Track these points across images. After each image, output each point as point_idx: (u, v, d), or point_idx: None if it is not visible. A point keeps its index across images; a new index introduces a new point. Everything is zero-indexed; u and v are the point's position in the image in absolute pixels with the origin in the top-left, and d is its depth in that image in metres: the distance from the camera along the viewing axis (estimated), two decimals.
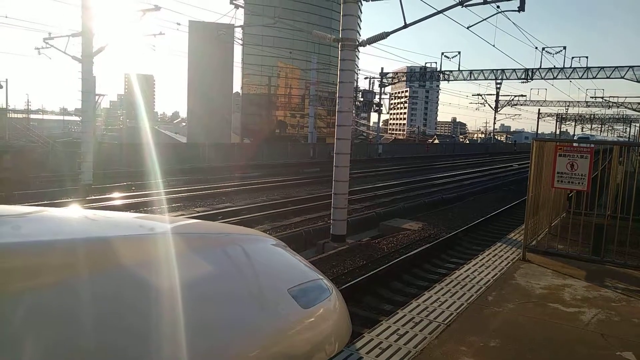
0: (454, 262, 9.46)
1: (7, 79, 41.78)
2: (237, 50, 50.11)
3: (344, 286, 6.90)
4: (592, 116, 69.58)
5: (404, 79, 43.70)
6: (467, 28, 15.35)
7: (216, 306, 1.94)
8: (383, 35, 11.17)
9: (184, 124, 70.82)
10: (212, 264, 2.17)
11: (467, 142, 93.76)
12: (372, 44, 11.54)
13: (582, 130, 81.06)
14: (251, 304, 2.12)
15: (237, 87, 57.48)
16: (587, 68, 30.76)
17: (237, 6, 14.46)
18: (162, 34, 20.97)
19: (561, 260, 5.44)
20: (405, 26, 11.10)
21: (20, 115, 43.25)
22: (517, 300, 4.21)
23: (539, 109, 61.66)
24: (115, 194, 15.63)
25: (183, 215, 12.28)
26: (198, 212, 12.96)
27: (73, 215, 2.44)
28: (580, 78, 31.17)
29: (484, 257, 5.63)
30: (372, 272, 8.11)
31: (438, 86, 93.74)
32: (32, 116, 50.47)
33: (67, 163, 19.25)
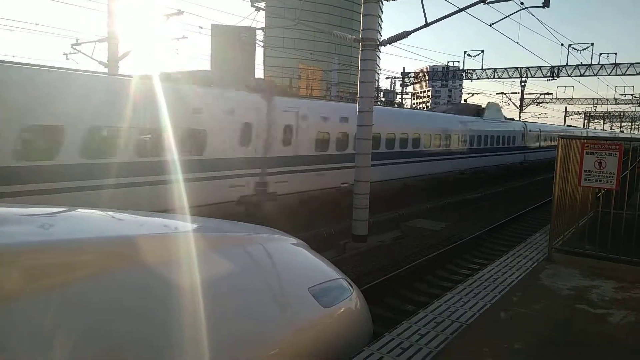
0: (477, 263, 9.33)
1: None
2: (259, 52, 50.54)
3: (365, 286, 6.88)
4: (622, 114, 67.56)
5: (426, 78, 43.26)
6: (490, 25, 15.10)
7: (237, 304, 1.97)
8: (404, 35, 11.10)
9: None
10: (233, 263, 2.20)
11: None
12: (393, 44, 11.48)
13: (611, 128, 78.50)
14: (272, 302, 2.14)
15: None
16: (616, 64, 29.86)
17: (258, 9, 14.58)
18: (185, 37, 21.30)
19: (589, 261, 5.30)
20: (427, 25, 11.00)
21: None
22: (542, 301, 4.12)
23: (566, 107, 60.14)
24: None
25: None
26: None
27: (100, 214, 2.51)
28: (609, 75, 30.27)
29: (508, 258, 5.53)
30: (393, 273, 8.07)
31: (461, 85, 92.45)
32: None
33: None
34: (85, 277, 1.58)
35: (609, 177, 5.13)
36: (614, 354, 3.20)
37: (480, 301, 4.03)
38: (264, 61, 55.92)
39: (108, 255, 1.74)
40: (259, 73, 52.41)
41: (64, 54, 21.45)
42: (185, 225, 2.64)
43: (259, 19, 44.98)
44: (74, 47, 20.21)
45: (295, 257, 2.65)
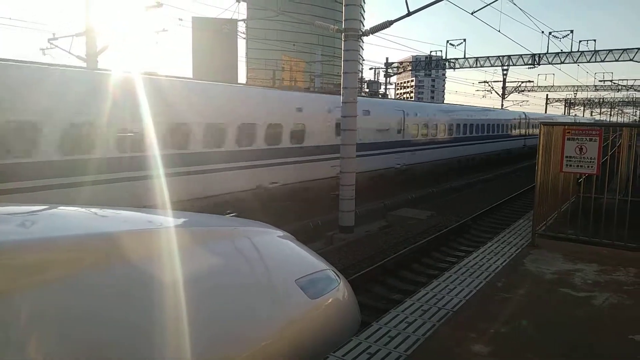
0: (462, 250, 9.44)
1: None
2: (241, 45, 50.02)
3: (352, 276, 6.91)
4: (601, 100, 68.67)
5: (410, 68, 43.34)
6: (472, 14, 15.17)
7: (224, 298, 1.95)
8: (386, 24, 11.08)
9: None
10: (220, 257, 2.18)
11: None
12: (375, 34, 11.46)
13: (591, 115, 79.85)
14: (259, 295, 2.13)
15: (241, 81, 57.41)
16: (595, 51, 30.23)
17: (239, 0, 14.42)
18: (165, 30, 20.98)
19: (571, 245, 5.39)
20: (409, 14, 11.00)
21: None
22: (527, 286, 4.19)
23: (547, 95, 60.89)
24: None
25: None
26: None
27: (83, 211, 2.46)
28: (589, 62, 30.63)
29: (493, 244, 5.60)
30: (380, 262, 8.12)
31: (444, 75, 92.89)
32: None
33: None
34: (65, 276, 1.54)
35: (590, 162, 5.21)
36: (597, 335, 3.27)
37: (466, 288, 4.08)
38: (246, 53, 55.44)
39: (90, 253, 1.71)
40: (241, 65, 51.96)
41: (41, 49, 20.93)
42: (170, 220, 2.61)
43: (241, 11, 44.42)
44: (50, 41, 19.74)
45: (281, 249, 2.64)
